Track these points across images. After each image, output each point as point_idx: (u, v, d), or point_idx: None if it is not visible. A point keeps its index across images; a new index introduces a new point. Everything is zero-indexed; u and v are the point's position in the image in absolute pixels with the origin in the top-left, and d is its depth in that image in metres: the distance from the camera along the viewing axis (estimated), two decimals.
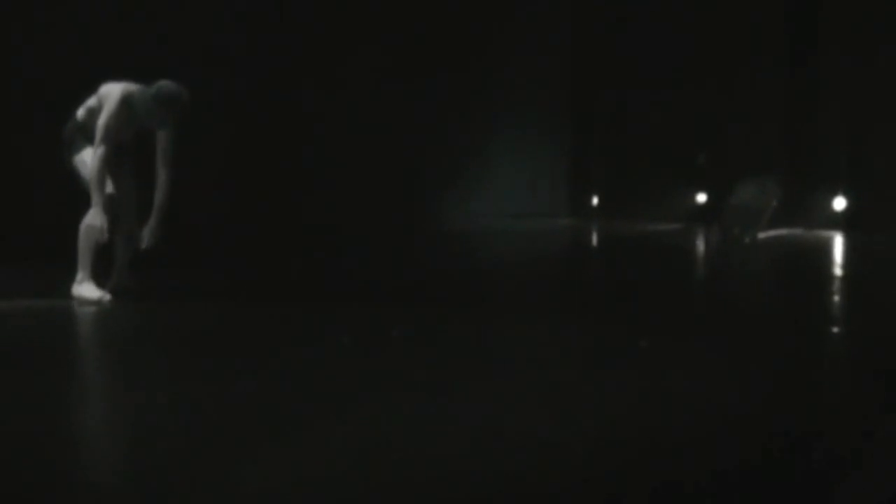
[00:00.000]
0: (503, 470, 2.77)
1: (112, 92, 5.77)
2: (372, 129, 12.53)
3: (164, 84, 5.70)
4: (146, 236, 5.89)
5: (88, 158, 5.74)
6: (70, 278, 5.80)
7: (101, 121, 5.73)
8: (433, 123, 13.56)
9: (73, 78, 6.09)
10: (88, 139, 5.79)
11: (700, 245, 12.06)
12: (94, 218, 5.67)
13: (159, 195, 5.91)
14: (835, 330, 5.64)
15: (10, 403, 3.47)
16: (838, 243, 12.31)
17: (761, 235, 11.66)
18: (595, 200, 17.25)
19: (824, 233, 13.48)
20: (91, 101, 5.87)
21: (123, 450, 3.03)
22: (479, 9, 14.29)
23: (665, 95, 15.60)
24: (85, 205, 5.73)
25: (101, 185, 5.67)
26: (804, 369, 4.38)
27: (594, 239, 13.34)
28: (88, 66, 6.04)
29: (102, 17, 8.74)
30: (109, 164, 5.73)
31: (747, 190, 11.57)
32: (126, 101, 5.75)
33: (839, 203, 14.38)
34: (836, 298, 7.16)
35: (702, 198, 15.56)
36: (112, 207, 5.75)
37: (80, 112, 5.88)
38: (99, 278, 5.84)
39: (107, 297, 5.74)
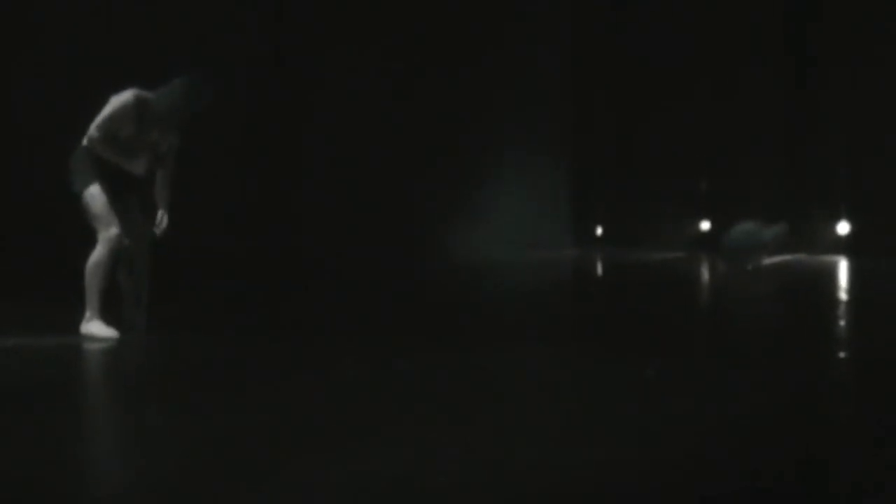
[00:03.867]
0: (516, 499, 2.78)
1: (123, 93, 5.74)
2: (374, 160, 12.58)
3: (195, 77, 5.73)
4: (159, 226, 5.87)
5: (97, 193, 5.71)
6: (78, 315, 5.81)
7: (107, 110, 5.65)
8: (436, 155, 13.61)
9: (80, 108, 6.02)
10: (96, 164, 5.73)
11: (704, 273, 12.06)
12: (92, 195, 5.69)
13: (162, 189, 5.90)
14: (841, 355, 5.65)
15: (19, 440, 3.48)
16: (842, 268, 12.31)
17: (765, 262, 11.68)
18: (599, 230, 17.27)
19: (828, 258, 13.48)
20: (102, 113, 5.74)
21: (132, 484, 3.04)
22: (481, 38, 14.37)
23: (667, 123, 15.66)
24: (91, 241, 5.74)
25: (106, 151, 5.67)
26: (811, 395, 4.38)
27: (598, 268, 13.34)
28: (94, 93, 5.98)
29: (107, 44, 8.80)
30: (116, 200, 5.73)
31: (747, 225, 11.72)
32: (138, 101, 5.67)
33: (842, 228, 14.39)
34: (842, 323, 7.17)
35: (705, 225, 15.58)
36: (118, 244, 5.75)
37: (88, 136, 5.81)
38: (107, 315, 5.85)
39: (115, 334, 5.75)
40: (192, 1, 9.96)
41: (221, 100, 5.97)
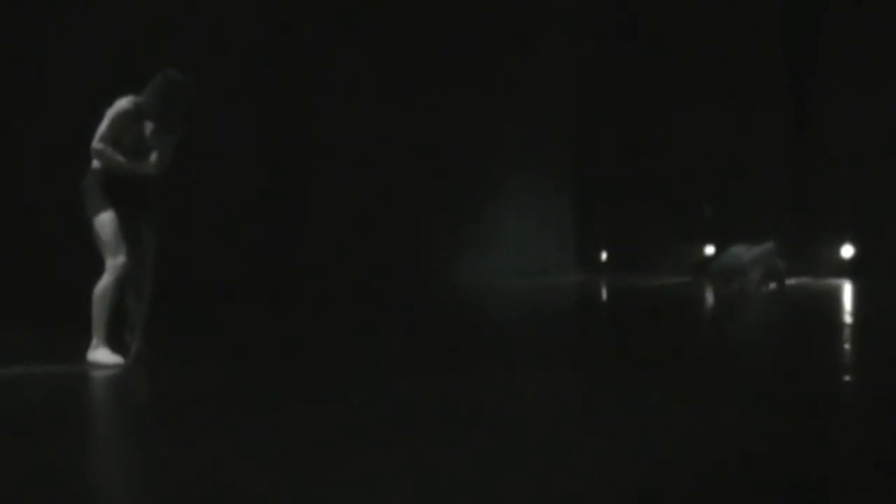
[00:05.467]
0: None
1: (118, 101, 5.80)
2: (379, 185, 12.63)
3: (171, 70, 5.81)
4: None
5: (108, 221, 5.77)
6: (85, 342, 5.83)
7: (106, 121, 5.72)
8: (441, 182, 13.66)
9: (85, 131, 6.04)
10: (106, 188, 5.79)
11: (708, 297, 12.07)
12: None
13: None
14: (846, 378, 5.65)
15: (23, 466, 3.49)
16: (846, 291, 12.31)
17: (763, 287, 11.76)
18: (603, 255, 17.29)
19: (832, 280, 13.48)
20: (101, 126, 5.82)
21: None
22: (487, 64, 14.45)
23: (672, 149, 15.71)
24: (99, 269, 5.78)
25: (114, 160, 5.73)
26: (817, 420, 4.38)
27: (603, 293, 13.34)
28: (97, 111, 6.04)
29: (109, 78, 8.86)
30: (126, 226, 5.78)
31: (736, 248, 11.93)
32: (135, 105, 5.77)
33: (846, 251, 14.40)
34: (846, 346, 7.17)
35: (709, 250, 15.60)
36: (125, 272, 5.78)
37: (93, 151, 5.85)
38: (113, 343, 5.87)
39: (121, 361, 5.77)
40: (194, 20, 10.02)
41: (205, 91, 6.01)
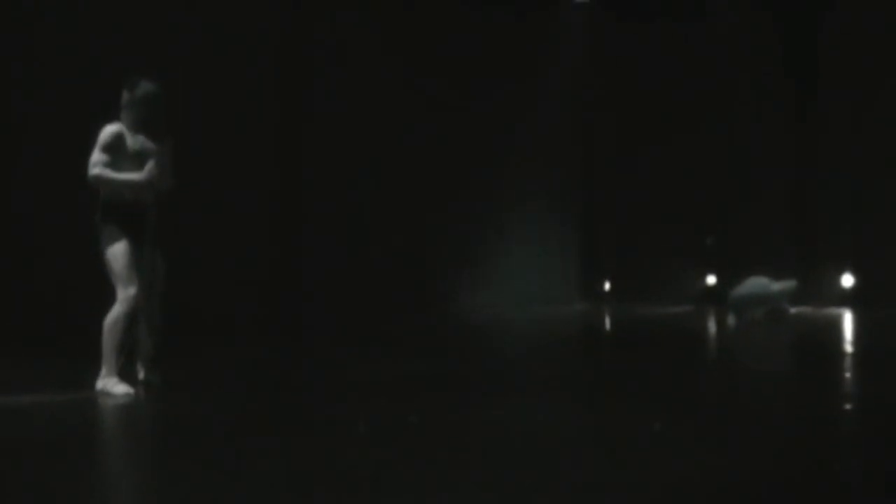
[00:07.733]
0: None
1: (105, 128, 5.91)
2: (381, 216, 12.68)
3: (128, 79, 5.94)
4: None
5: (120, 252, 5.83)
6: (95, 371, 5.87)
7: (97, 146, 5.82)
8: (443, 212, 13.71)
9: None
10: (116, 218, 5.87)
11: (711, 327, 12.10)
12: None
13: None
14: (847, 407, 5.69)
15: (31, 498, 3.53)
16: (847, 320, 12.33)
17: (769, 316, 11.78)
18: (606, 285, 17.31)
19: (833, 310, 13.49)
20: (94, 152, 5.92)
21: None
22: (489, 97, 14.53)
23: (674, 179, 15.76)
24: (111, 298, 5.84)
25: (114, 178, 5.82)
26: (816, 447, 4.42)
27: (606, 323, 13.37)
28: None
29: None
30: (134, 252, 5.84)
31: (757, 279, 11.94)
32: (120, 125, 5.88)
33: (847, 280, 14.41)
34: (847, 375, 7.21)
35: (711, 279, 15.65)
36: (136, 304, 5.83)
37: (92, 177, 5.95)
38: (122, 372, 5.91)
39: (130, 391, 5.81)
40: (194, 20, 10.07)
41: (167, 90, 6.10)
